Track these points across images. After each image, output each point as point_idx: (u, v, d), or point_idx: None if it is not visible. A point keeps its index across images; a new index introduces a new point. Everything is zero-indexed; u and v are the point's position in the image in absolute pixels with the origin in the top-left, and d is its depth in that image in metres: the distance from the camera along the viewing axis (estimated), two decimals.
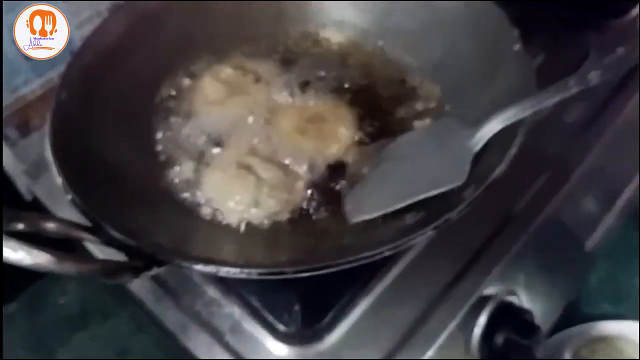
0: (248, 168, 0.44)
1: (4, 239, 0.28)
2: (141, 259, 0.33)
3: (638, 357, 0.56)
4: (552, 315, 0.53)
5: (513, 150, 0.38)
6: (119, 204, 0.39)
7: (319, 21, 0.56)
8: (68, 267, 0.29)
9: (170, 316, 0.44)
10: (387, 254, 0.34)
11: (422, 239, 0.35)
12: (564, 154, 0.53)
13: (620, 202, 0.60)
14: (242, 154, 0.46)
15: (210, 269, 0.33)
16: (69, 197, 0.36)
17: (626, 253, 0.66)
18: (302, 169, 0.45)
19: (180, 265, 0.34)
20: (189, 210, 0.43)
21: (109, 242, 0.35)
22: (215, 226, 0.43)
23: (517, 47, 0.44)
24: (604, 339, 0.58)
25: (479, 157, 0.41)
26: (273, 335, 0.42)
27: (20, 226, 0.33)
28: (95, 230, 0.35)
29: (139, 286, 0.46)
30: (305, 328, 0.42)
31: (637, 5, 0.65)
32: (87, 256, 0.31)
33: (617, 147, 0.56)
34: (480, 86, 0.45)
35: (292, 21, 0.56)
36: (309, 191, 0.45)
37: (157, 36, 0.52)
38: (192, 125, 0.49)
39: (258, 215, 0.43)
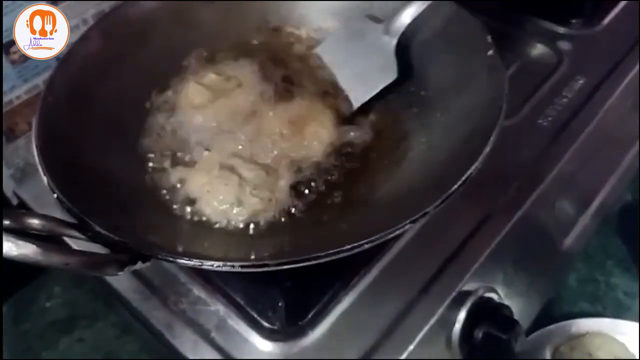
0: (231, 169, 0.45)
1: None
2: (126, 254, 0.34)
3: (615, 352, 0.58)
4: (530, 312, 0.55)
5: (487, 149, 0.39)
6: (104, 202, 0.40)
7: (301, 27, 0.58)
8: (54, 259, 0.30)
9: (156, 315, 0.45)
10: (366, 246, 0.35)
11: (399, 232, 0.36)
12: (539, 156, 0.54)
13: (595, 205, 0.62)
14: (225, 156, 0.47)
15: (193, 262, 0.34)
16: (55, 195, 0.37)
17: (603, 254, 0.68)
18: (284, 169, 0.46)
19: (165, 260, 0.35)
20: (174, 210, 0.44)
21: (94, 238, 0.35)
22: (200, 225, 0.44)
23: (490, 52, 0.46)
24: (583, 336, 0.59)
25: None
26: (258, 332, 0.43)
27: (7, 222, 0.33)
28: (81, 227, 0.36)
29: (126, 286, 0.47)
30: (289, 325, 0.43)
31: (607, 17, 0.67)
32: (73, 249, 0.32)
33: (591, 151, 0.57)
34: (454, 90, 0.47)
35: (275, 27, 0.57)
36: (292, 190, 0.46)
37: (142, 44, 0.53)
38: (177, 129, 0.50)
39: (241, 214, 0.44)
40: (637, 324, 0.59)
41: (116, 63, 0.51)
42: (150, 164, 0.48)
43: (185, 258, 0.34)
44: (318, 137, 0.47)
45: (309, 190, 0.45)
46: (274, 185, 0.45)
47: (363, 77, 0.50)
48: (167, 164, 0.48)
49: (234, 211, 0.44)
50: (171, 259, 0.34)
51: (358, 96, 0.50)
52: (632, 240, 0.69)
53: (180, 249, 0.37)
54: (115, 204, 0.41)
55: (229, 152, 0.47)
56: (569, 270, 0.65)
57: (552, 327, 0.59)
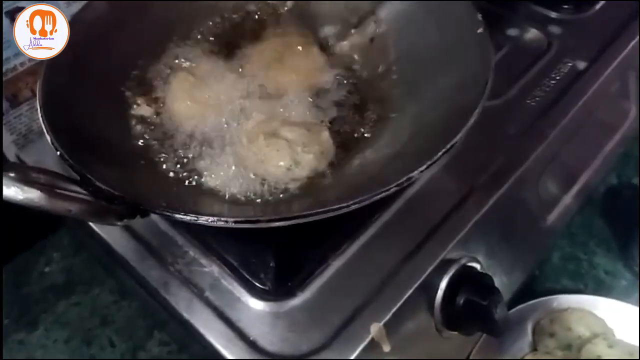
0: (275, 134, 0.47)
1: None
2: (125, 208, 0.36)
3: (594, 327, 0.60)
4: (512, 284, 0.57)
5: (472, 121, 0.41)
6: (104, 162, 0.42)
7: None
8: (58, 205, 0.31)
9: (153, 274, 0.46)
10: (353, 207, 0.37)
11: (384, 195, 0.37)
12: (525, 135, 0.56)
13: (578, 185, 0.64)
14: (262, 124, 0.48)
15: (189, 217, 0.36)
16: (58, 152, 0.39)
17: (586, 233, 0.70)
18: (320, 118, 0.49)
19: (161, 214, 0.36)
20: (176, 177, 0.46)
21: (95, 193, 0.37)
22: (198, 190, 0.45)
23: (480, 30, 0.48)
24: (564, 311, 0.61)
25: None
26: (249, 291, 0.45)
27: (12, 174, 0.34)
28: (82, 182, 0.37)
29: (124, 247, 0.48)
30: (279, 285, 0.45)
31: (598, 4, 0.69)
32: (77, 197, 0.34)
33: (576, 132, 0.59)
34: (442, 65, 0.49)
35: None
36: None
37: (143, 14, 0.55)
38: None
39: (302, 173, 0.46)
40: (616, 301, 0.61)
41: (117, 31, 0.52)
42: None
43: (182, 213, 0.36)
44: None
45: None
46: (319, 138, 0.47)
47: None
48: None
49: (295, 172, 0.46)
50: (168, 213, 0.36)
51: None
52: (616, 221, 0.71)
53: (176, 205, 0.38)
54: (114, 165, 0.43)
55: (262, 120, 0.48)
56: (552, 247, 0.67)
57: (534, 301, 0.61)
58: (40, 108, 0.42)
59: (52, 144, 0.39)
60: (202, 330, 0.44)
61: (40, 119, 0.41)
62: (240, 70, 0.53)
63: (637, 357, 0.57)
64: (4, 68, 0.55)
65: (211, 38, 0.57)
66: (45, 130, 0.40)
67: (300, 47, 0.53)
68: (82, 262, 0.65)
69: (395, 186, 0.38)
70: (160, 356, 0.59)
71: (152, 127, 0.50)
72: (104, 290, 0.63)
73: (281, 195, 0.45)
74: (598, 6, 0.68)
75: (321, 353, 0.42)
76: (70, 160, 0.38)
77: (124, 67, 0.52)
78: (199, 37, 0.57)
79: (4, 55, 0.54)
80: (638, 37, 0.64)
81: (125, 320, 0.61)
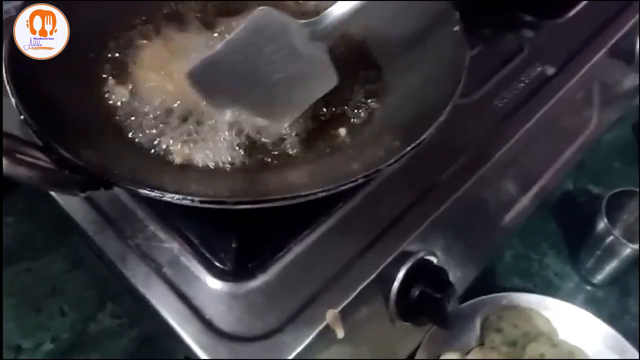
0: None
1: None
2: (89, 178, 0.35)
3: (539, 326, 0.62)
4: (465, 279, 0.59)
5: (441, 118, 0.42)
6: (70, 131, 0.41)
7: None
8: (18, 171, 0.31)
9: (111, 246, 0.46)
10: (320, 195, 0.37)
11: (352, 185, 0.38)
12: (489, 135, 0.57)
13: (536, 188, 0.66)
14: None
15: (154, 193, 0.35)
16: (22, 117, 0.38)
17: (539, 235, 0.72)
18: None
19: (126, 188, 0.36)
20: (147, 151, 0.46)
21: (59, 162, 0.36)
22: (165, 163, 0.45)
23: (456, 28, 0.49)
24: (512, 308, 0.63)
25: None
26: (209, 270, 0.45)
27: None
28: (46, 149, 0.36)
29: (83, 217, 0.47)
30: (239, 266, 0.45)
31: (572, 11, 0.70)
32: (39, 164, 0.33)
33: (538, 136, 0.61)
34: (417, 61, 0.49)
35: None
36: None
37: None
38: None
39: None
40: (562, 302, 0.63)
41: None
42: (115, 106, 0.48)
43: (147, 188, 0.35)
44: None
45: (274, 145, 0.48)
46: None
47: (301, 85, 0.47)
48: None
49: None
50: (133, 187, 0.36)
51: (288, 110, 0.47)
52: (568, 226, 0.74)
53: (142, 179, 0.38)
54: (80, 133, 0.42)
55: None
56: (506, 246, 0.69)
57: (484, 297, 0.63)
58: (6, 69, 0.40)
59: (17, 107, 0.38)
60: (158, 306, 0.44)
61: (5, 80, 0.40)
62: (211, 43, 0.52)
63: (577, 358, 0.59)
64: None
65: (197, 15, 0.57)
66: (10, 93, 0.39)
67: None
68: (36, 228, 0.64)
69: (362, 177, 0.38)
70: (111, 328, 0.58)
71: (122, 97, 0.49)
72: (57, 259, 0.62)
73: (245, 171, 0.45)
74: (572, 13, 0.70)
75: (276, 336, 0.42)
76: (35, 125, 0.37)
77: (97, 35, 0.51)
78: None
79: None
80: (604, 50, 0.66)
81: (77, 290, 0.60)
